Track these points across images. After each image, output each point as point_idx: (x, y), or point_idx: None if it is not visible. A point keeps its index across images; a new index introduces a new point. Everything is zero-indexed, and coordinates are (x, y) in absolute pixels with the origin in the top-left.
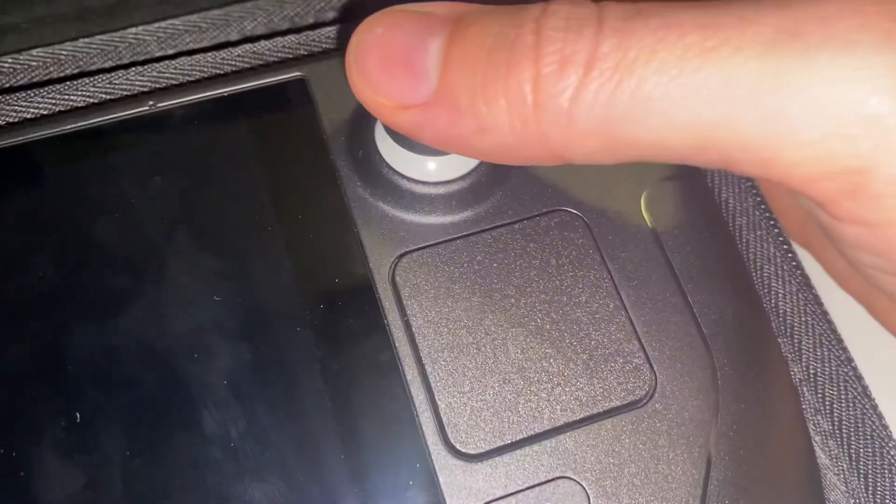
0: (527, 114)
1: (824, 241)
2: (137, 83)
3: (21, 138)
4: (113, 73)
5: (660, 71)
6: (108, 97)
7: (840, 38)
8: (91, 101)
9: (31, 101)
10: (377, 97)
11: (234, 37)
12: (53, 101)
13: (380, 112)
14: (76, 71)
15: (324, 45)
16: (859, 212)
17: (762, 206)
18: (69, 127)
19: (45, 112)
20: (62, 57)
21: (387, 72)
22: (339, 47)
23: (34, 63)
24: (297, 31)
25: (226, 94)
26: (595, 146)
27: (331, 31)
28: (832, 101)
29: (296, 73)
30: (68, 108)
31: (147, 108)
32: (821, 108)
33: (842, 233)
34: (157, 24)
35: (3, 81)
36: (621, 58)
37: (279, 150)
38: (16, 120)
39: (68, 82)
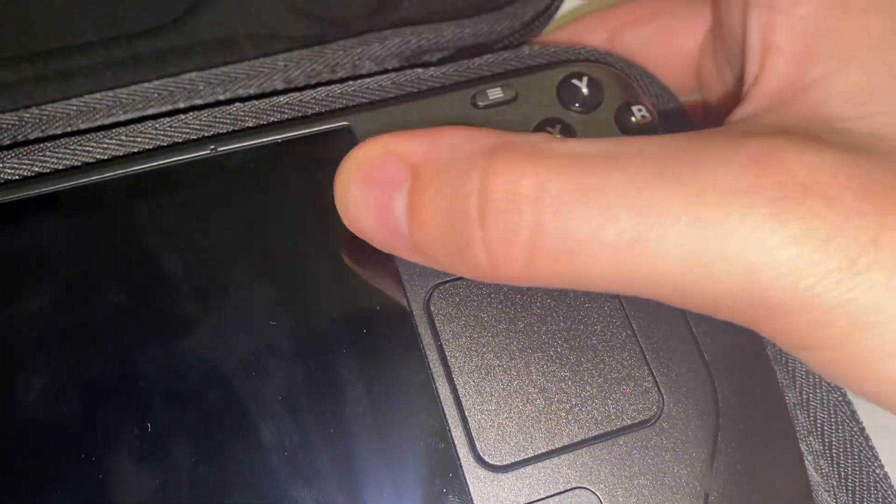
0: (485, 275)
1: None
2: (195, 126)
3: (96, 177)
4: (173, 117)
5: (599, 249)
6: (169, 140)
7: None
8: (156, 143)
9: (100, 143)
10: (369, 230)
11: (279, 83)
12: (120, 143)
13: (370, 240)
14: (137, 115)
15: (365, 95)
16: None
17: None
18: (138, 167)
19: (115, 153)
20: (123, 100)
21: (370, 225)
22: (380, 97)
23: (99, 106)
24: (340, 81)
25: (280, 140)
26: (555, 285)
27: (369, 81)
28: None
29: (342, 122)
30: (136, 149)
31: (209, 151)
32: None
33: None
34: (208, 71)
35: (74, 124)
36: (561, 237)
37: (327, 191)
38: (90, 161)
39: (132, 125)
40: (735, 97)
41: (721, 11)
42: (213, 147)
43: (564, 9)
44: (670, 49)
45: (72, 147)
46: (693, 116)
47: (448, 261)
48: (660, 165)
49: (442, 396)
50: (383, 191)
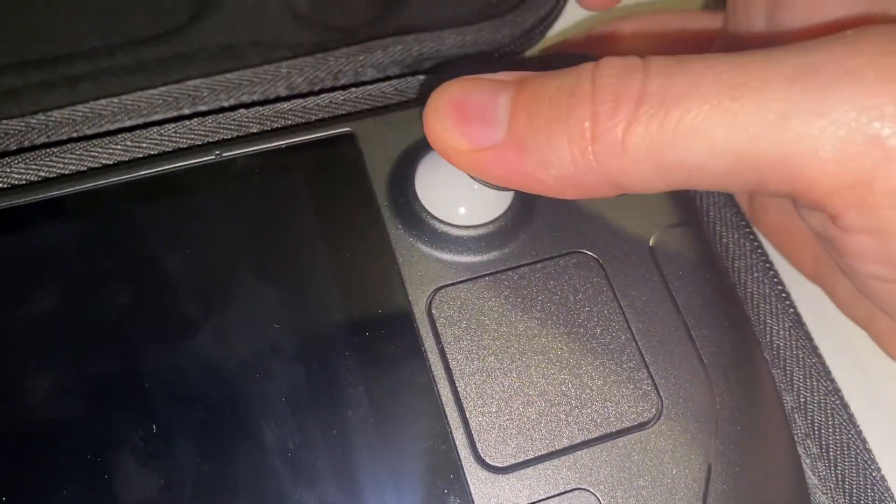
0: (586, 146)
1: (832, 273)
2: (199, 132)
3: (102, 182)
4: (178, 123)
5: (701, 102)
6: (174, 145)
7: (848, 73)
8: (161, 148)
9: (105, 148)
10: (455, 144)
11: (282, 90)
12: (125, 149)
13: (455, 157)
14: (142, 121)
15: (368, 102)
16: (863, 222)
17: (759, 251)
18: (144, 173)
19: (120, 158)
20: (129, 106)
21: (464, 122)
22: (382, 103)
23: (105, 112)
24: (343, 88)
25: (283, 146)
26: (647, 173)
27: (371, 88)
28: (843, 125)
29: (345, 129)
30: (141, 154)
31: (213, 156)
32: (834, 131)
33: (849, 245)
34: (212, 78)
35: (80, 129)
36: (667, 93)
37: (330, 195)
38: (96, 166)
39: (137, 131)
40: None
41: (739, 16)
42: (217, 153)
43: (567, 21)
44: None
45: (78, 152)
46: None
47: (542, 142)
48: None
49: (443, 398)
50: (488, 93)
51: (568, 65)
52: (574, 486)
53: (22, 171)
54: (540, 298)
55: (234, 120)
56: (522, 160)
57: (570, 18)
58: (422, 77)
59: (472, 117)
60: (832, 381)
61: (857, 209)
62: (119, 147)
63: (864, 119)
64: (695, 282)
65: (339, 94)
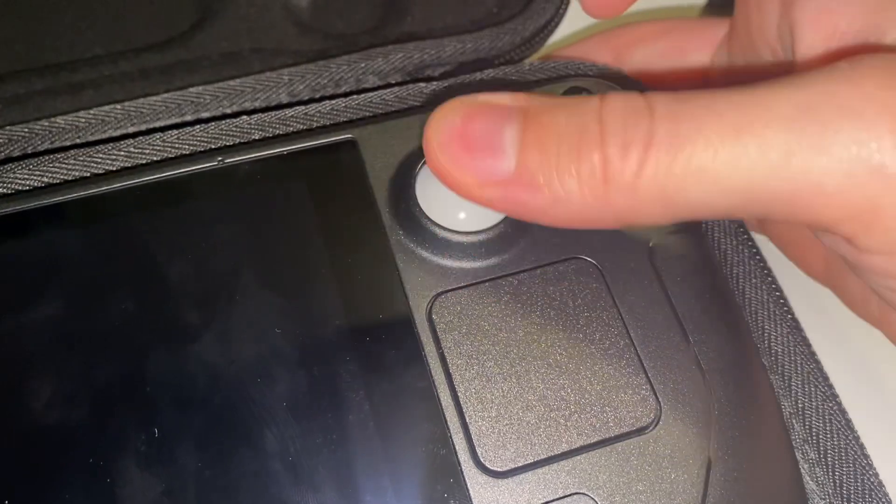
0: (597, 187)
1: (842, 277)
2: (202, 139)
3: (105, 188)
4: (181, 130)
5: (706, 145)
6: (177, 152)
7: (846, 109)
8: (165, 154)
9: (109, 154)
10: (461, 178)
11: (283, 97)
12: (129, 154)
13: (463, 189)
14: (145, 127)
15: (369, 109)
16: (877, 244)
17: (757, 257)
18: (147, 178)
19: (124, 164)
20: (132, 112)
21: (469, 153)
22: (384, 110)
23: (108, 118)
24: (344, 95)
25: (285, 152)
26: (655, 210)
27: (373, 95)
28: (847, 160)
29: (347, 135)
30: (144, 160)
31: (216, 163)
32: (836, 166)
33: (865, 262)
34: (215, 85)
35: (83, 136)
36: (673, 137)
37: (332, 201)
38: (99, 171)
39: (141, 137)
40: None
41: (751, 13)
42: (220, 159)
43: (568, 29)
44: (678, 66)
45: (81, 158)
46: None
47: (553, 181)
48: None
49: (443, 403)
50: (494, 122)
51: (570, 71)
52: (573, 491)
53: (26, 176)
54: (539, 304)
55: (236, 126)
56: (533, 196)
57: (570, 27)
58: (423, 84)
59: (478, 149)
60: (830, 386)
61: (870, 234)
62: (122, 153)
63: (864, 152)
64: (693, 288)
65: (340, 101)
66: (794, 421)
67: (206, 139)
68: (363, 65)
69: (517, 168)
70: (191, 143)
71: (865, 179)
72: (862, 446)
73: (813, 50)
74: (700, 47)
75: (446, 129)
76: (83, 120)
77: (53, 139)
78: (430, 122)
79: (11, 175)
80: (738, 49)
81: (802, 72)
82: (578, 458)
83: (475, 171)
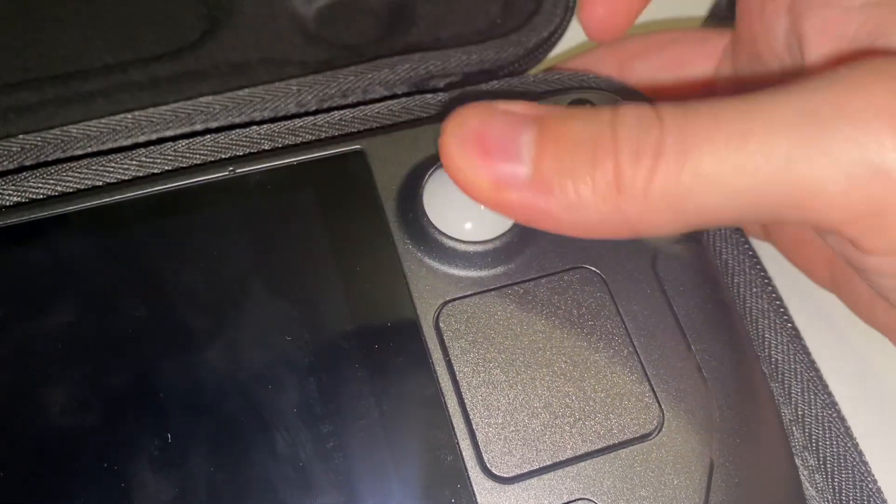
0: (609, 194)
1: (848, 282)
2: (212, 148)
3: (118, 197)
4: (191, 140)
5: (713, 153)
6: (188, 161)
7: (846, 114)
8: (176, 164)
9: (121, 164)
10: (476, 179)
11: (292, 107)
12: (140, 164)
13: (478, 192)
14: (155, 136)
15: (376, 120)
16: (881, 245)
17: (757, 267)
18: (159, 188)
19: (136, 173)
20: (142, 122)
21: (486, 157)
22: (391, 121)
23: (119, 128)
24: (352, 105)
25: (295, 163)
26: (665, 218)
27: (380, 106)
28: (848, 162)
29: (355, 146)
30: (156, 170)
31: (227, 172)
32: (840, 168)
33: (869, 263)
34: (224, 95)
35: (94, 145)
36: (682, 145)
37: (341, 211)
38: (112, 181)
39: (152, 147)
40: None
41: (755, 24)
42: (231, 168)
43: (572, 41)
44: (682, 78)
45: (94, 167)
46: None
47: (567, 187)
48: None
49: (451, 410)
50: (510, 128)
51: (574, 83)
52: (578, 497)
53: (40, 185)
54: (545, 312)
55: (246, 137)
56: (547, 202)
57: (575, 38)
58: (429, 96)
59: (495, 153)
60: (829, 394)
61: (874, 235)
62: (134, 162)
63: (864, 154)
64: (695, 297)
65: (348, 112)
66: (794, 428)
67: (216, 149)
68: (370, 75)
69: (533, 173)
70: (201, 152)
71: (866, 181)
72: (861, 453)
73: (823, 57)
74: (702, 58)
75: (463, 132)
76: (95, 129)
77: (66, 148)
78: (447, 126)
79: (25, 184)
80: (743, 59)
81: (804, 77)
82: (583, 464)
83: (491, 175)
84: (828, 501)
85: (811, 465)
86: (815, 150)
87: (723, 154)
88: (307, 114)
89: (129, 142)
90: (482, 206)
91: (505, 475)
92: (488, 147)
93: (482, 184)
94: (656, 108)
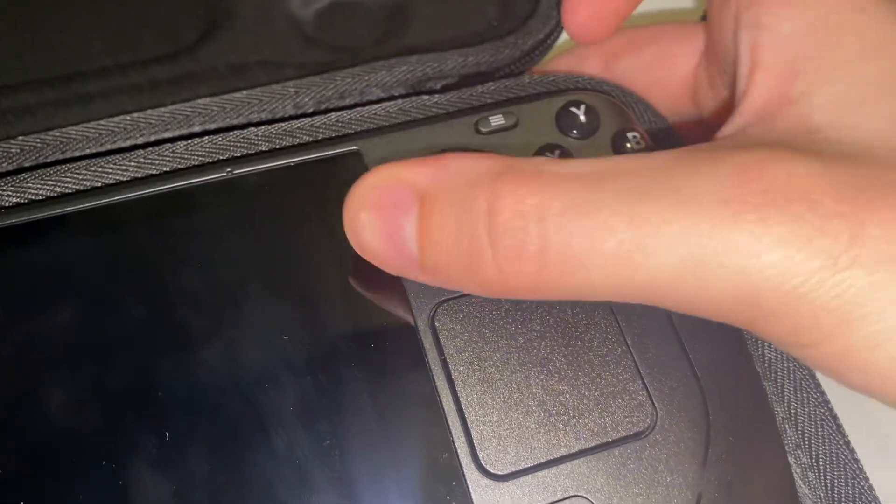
0: (495, 290)
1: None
2: (210, 150)
3: (116, 198)
4: (189, 141)
5: (595, 261)
6: (186, 162)
7: (693, 199)
8: (174, 165)
9: (119, 165)
10: (386, 268)
11: (289, 109)
12: (139, 165)
13: (385, 267)
14: (154, 138)
15: (373, 121)
16: (759, 332)
17: None
18: (157, 189)
19: (135, 175)
20: (141, 124)
21: (379, 249)
22: (387, 122)
23: (118, 129)
24: (349, 107)
25: (292, 164)
26: (561, 297)
27: (377, 108)
28: (677, 254)
29: (352, 147)
30: (154, 171)
31: (225, 174)
32: (669, 260)
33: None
34: (222, 97)
35: (93, 146)
36: (564, 242)
37: (337, 212)
38: (111, 182)
39: (150, 148)
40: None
41: (714, 34)
42: (229, 170)
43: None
44: (666, 74)
45: (92, 169)
46: (692, 137)
47: (459, 279)
48: (651, 179)
49: (446, 408)
50: (393, 216)
51: (568, 85)
52: (572, 494)
53: (39, 186)
54: (539, 312)
55: (244, 138)
56: (443, 282)
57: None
58: (426, 97)
59: (387, 245)
60: (822, 392)
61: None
62: (133, 164)
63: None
64: None
65: (345, 114)
66: (786, 426)
67: (214, 150)
68: (367, 77)
69: (421, 266)
70: (200, 154)
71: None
72: (852, 451)
73: (744, 78)
74: (688, 53)
75: (355, 226)
76: (93, 131)
77: (65, 149)
78: (346, 209)
79: (25, 185)
80: (710, 58)
81: (693, 159)
82: (577, 461)
83: (389, 266)
84: (820, 499)
85: (804, 463)
86: (653, 241)
87: (602, 244)
88: (304, 115)
89: (127, 143)
90: None
91: (500, 472)
92: (379, 239)
93: (386, 265)
94: (540, 192)
